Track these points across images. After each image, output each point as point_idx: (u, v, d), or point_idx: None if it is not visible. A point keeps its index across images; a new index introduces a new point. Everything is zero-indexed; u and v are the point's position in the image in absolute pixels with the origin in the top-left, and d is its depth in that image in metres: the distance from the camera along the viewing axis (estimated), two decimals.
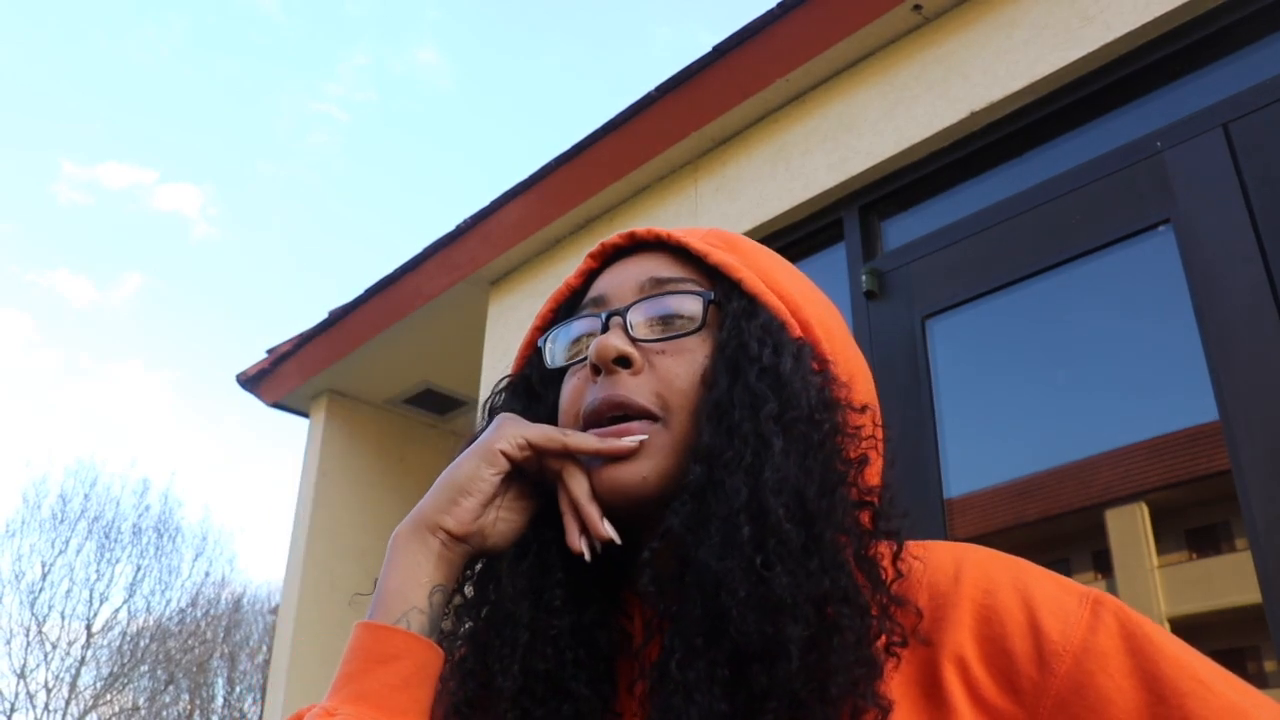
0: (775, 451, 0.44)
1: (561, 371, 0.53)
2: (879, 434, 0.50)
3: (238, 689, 17.54)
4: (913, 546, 0.48)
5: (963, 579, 0.45)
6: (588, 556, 0.47)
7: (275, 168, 32.87)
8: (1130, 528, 1.66)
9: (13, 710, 15.15)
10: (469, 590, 0.52)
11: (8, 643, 15.34)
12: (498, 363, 2.64)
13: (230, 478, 30.74)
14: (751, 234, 2.11)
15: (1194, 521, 1.69)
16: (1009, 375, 1.77)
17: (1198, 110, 1.51)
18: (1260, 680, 1.48)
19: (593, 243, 2.88)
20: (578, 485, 0.47)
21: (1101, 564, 1.75)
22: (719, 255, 0.51)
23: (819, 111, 2.03)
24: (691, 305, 0.50)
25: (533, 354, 0.56)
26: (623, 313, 0.50)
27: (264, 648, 16.87)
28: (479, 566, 0.52)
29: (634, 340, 0.49)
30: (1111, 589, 1.76)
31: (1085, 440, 1.63)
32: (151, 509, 17.59)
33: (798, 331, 0.50)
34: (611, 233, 2.44)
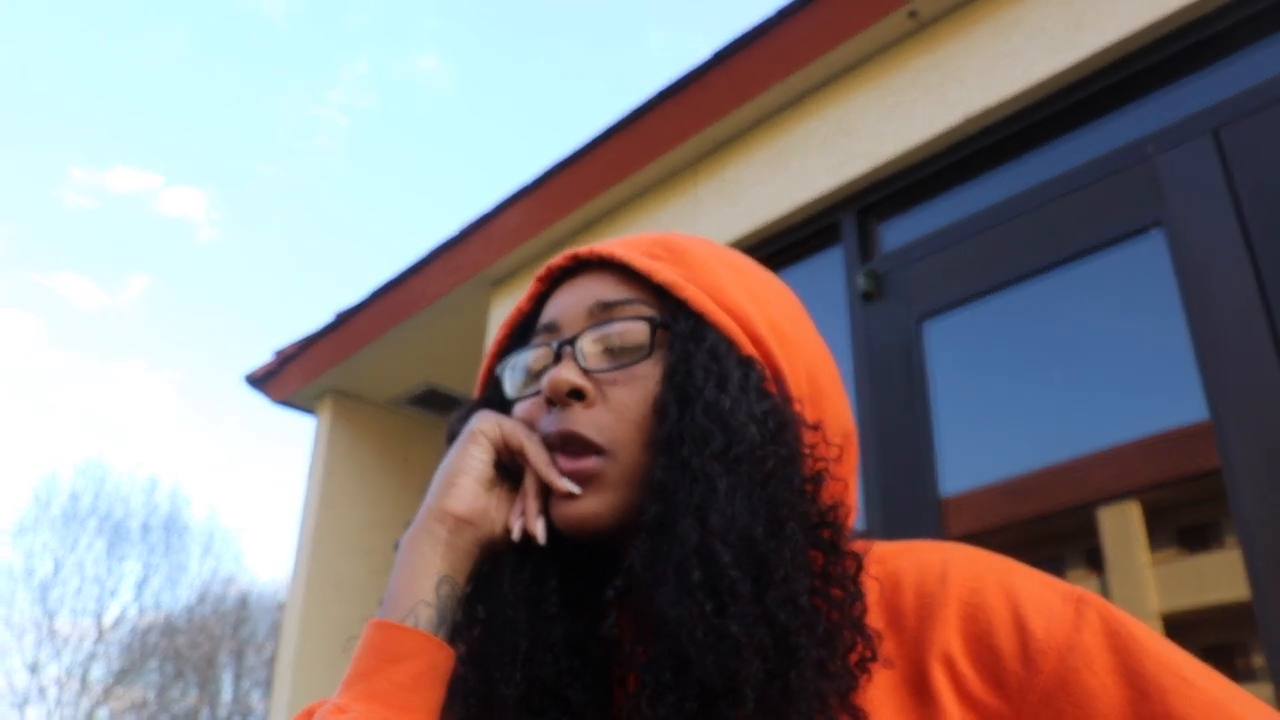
0: (720, 492, 0.43)
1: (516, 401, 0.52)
2: (842, 444, 0.49)
3: (245, 684, 17.65)
4: (898, 546, 0.48)
5: (949, 578, 0.46)
6: (540, 538, 0.47)
7: (278, 172, 32.97)
8: (1123, 526, 1.68)
9: (25, 704, 15.28)
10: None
11: (20, 638, 15.47)
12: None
13: (236, 477, 30.88)
14: (750, 236, 2.13)
15: (1185, 520, 1.71)
16: (1004, 375, 1.79)
17: (1188, 115, 1.53)
18: (1248, 676, 1.50)
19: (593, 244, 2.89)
20: (530, 479, 0.48)
21: (1094, 562, 1.77)
22: (664, 273, 0.49)
23: (817, 115, 2.05)
24: (639, 330, 0.49)
25: (492, 379, 0.55)
26: (573, 342, 0.49)
27: (270, 644, 16.97)
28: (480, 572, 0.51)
29: (586, 371, 0.48)
30: (1104, 586, 1.78)
31: (1078, 439, 1.65)
32: (160, 507, 17.71)
33: (748, 349, 0.48)
34: (612, 235, 2.45)
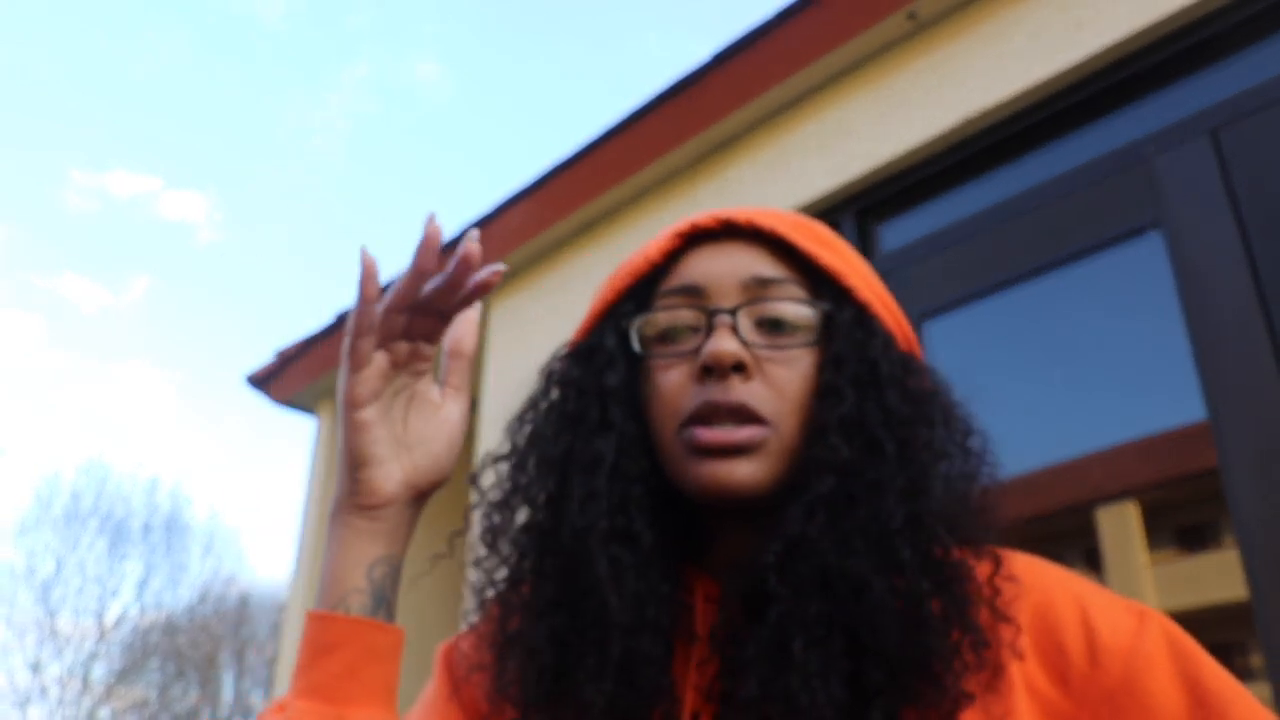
0: (935, 481, 0.46)
1: (645, 357, 0.51)
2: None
3: (245, 683, 17.67)
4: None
5: (1019, 580, 0.48)
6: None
7: (278, 175, 33.00)
8: (1121, 526, 1.68)
9: (27, 703, 15.30)
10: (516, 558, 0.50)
11: (22, 637, 15.49)
12: (500, 365, 2.68)
13: (237, 477, 30.89)
14: None
15: (1183, 519, 1.71)
16: (1003, 376, 1.80)
17: (1187, 116, 1.53)
18: (1247, 676, 1.50)
19: (595, 245, 2.87)
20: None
21: (1093, 561, 1.77)
22: (827, 258, 0.50)
23: (816, 117, 2.06)
24: (804, 315, 0.49)
25: (603, 329, 0.53)
26: (733, 314, 0.48)
27: (271, 643, 16.99)
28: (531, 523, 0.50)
29: (743, 344, 0.48)
30: (1103, 585, 1.78)
31: (1077, 439, 1.65)
32: (161, 507, 17.73)
33: (904, 345, 0.51)
34: (612, 236, 2.44)
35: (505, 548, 0.51)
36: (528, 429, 0.53)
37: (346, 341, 0.46)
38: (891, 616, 0.43)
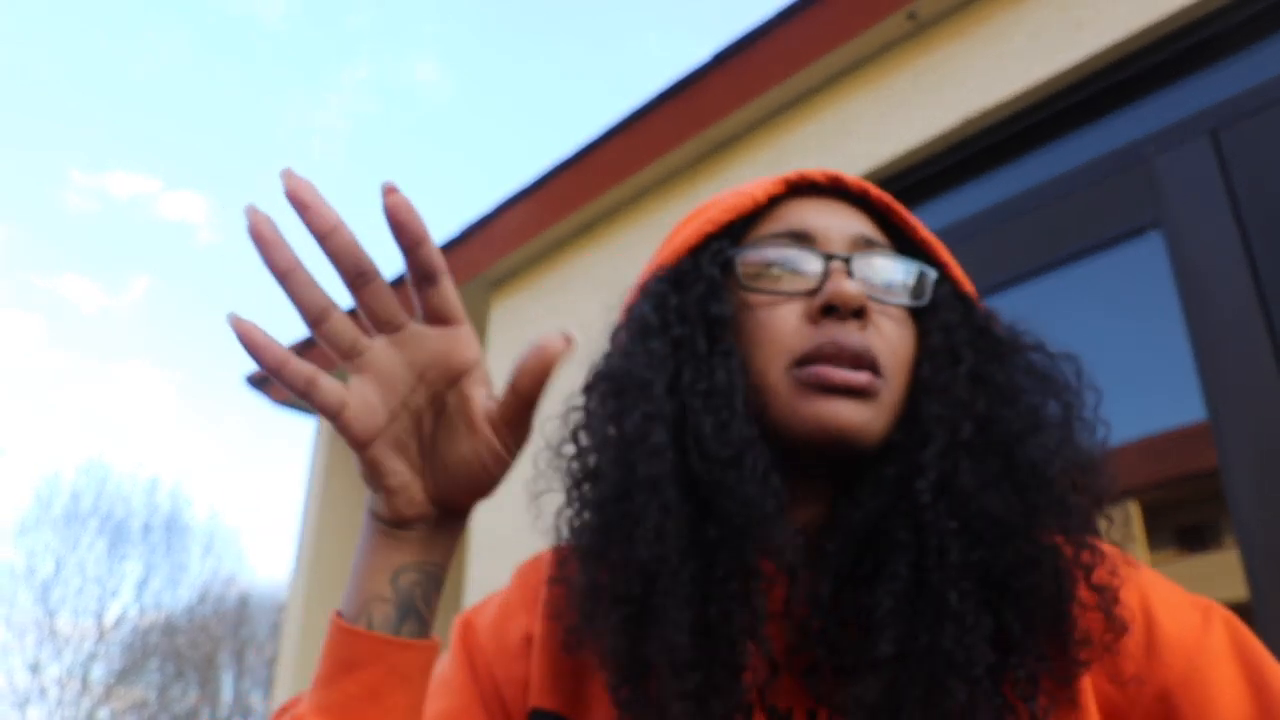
0: (1074, 431, 0.47)
1: (746, 290, 0.49)
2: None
3: (245, 683, 17.67)
4: None
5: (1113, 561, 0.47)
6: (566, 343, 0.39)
7: (276, 176, 33.09)
8: (1121, 526, 1.68)
9: (26, 703, 15.31)
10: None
11: (21, 637, 15.49)
12: (500, 365, 2.68)
13: (237, 477, 30.91)
14: None
15: (1184, 519, 1.71)
16: None
17: (1186, 117, 1.53)
18: None
19: (594, 245, 2.86)
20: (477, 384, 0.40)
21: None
22: (923, 232, 0.52)
23: (816, 117, 2.06)
24: (910, 275, 0.50)
25: (699, 258, 0.50)
26: (847, 260, 0.48)
27: (271, 644, 16.99)
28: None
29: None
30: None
31: None
32: (161, 507, 17.73)
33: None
34: (612, 236, 2.43)
35: (602, 463, 0.47)
36: (632, 346, 0.49)
37: (277, 373, 0.38)
38: (1035, 564, 0.43)
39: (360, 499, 3.40)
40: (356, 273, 0.38)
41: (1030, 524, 0.44)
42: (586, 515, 0.48)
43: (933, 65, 1.86)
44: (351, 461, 3.34)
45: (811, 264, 0.49)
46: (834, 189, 0.52)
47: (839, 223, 0.50)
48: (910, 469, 0.45)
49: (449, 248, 2.79)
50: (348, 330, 0.39)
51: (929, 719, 0.41)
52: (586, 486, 0.48)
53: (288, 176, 0.37)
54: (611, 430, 0.47)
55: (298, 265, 0.38)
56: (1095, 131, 1.69)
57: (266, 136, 33.40)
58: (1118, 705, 0.44)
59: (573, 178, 2.45)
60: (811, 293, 0.48)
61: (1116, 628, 0.45)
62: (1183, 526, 1.67)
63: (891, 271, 0.49)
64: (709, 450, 0.44)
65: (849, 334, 0.46)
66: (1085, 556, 0.45)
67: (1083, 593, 0.44)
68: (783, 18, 1.98)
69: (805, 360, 0.46)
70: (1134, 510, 1.65)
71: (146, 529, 17.28)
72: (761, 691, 0.45)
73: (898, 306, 0.49)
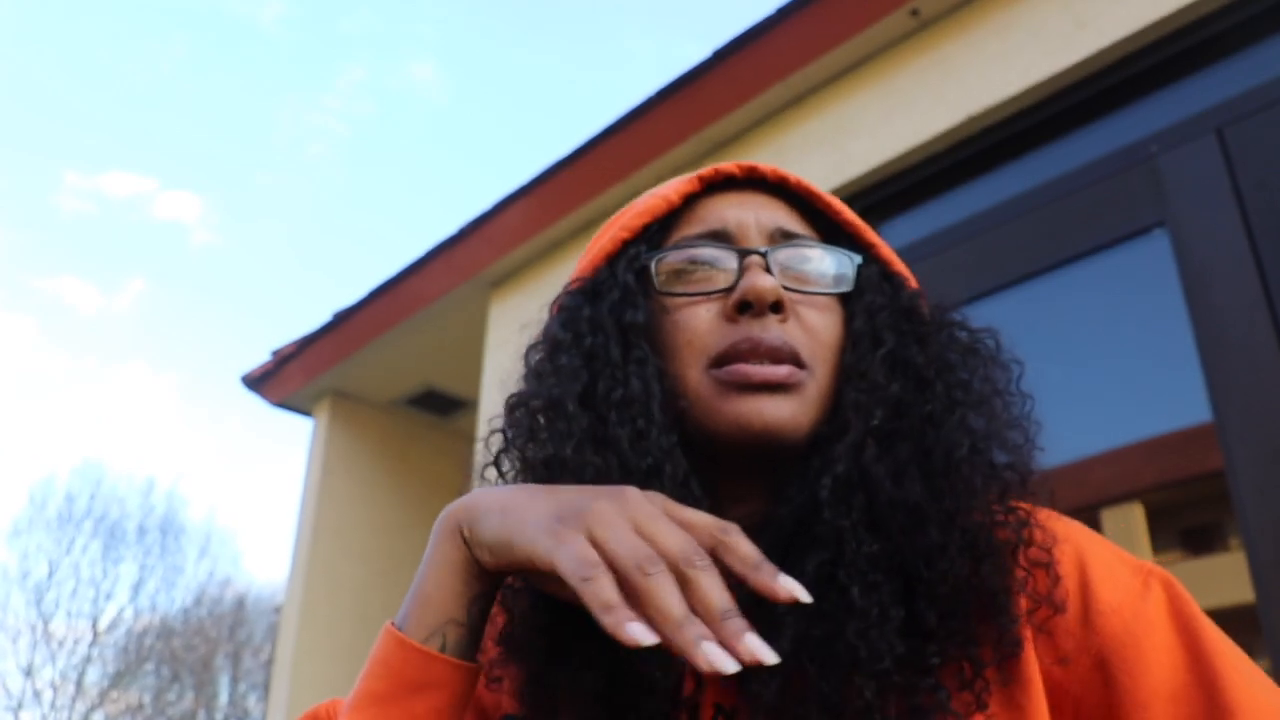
0: (998, 410, 0.46)
1: (663, 295, 0.48)
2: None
3: (242, 687, 17.60)
4: None
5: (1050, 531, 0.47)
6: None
7: (274, 176, 33.01)
8: (1125, 528, 1.67)
9: (20, 707, 15.23)
10: None
11: (15, 641, 15.42)
12: (499, 364, 2.66)
13: (234, 478, 30.84)
14: None
15: (1189, 521, 1.70)
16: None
17: (1191, 115, 1.52)
18: None
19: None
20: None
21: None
22: (848, 214, 0.51)
23: (817, 115, 2.05)
24: (832, 263, 0.49)
25: (615, 265, 0.50)
26: (765, 255, 0.47)
27: (267, 646, 16.93)
28: None
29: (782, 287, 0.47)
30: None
31: (1081, 440, 1.64)
32: (156, 509, 17.67)
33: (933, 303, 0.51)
34: None
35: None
36: (543, 365, 0.49)
37: None
38: (950, 551, 0.42)
39: (358, 499, 3.39)
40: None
41: (943, 509, 0.43)
42: None
43: (935, 63, 1.85)
44: (349, 464, 3.31)
45: (727, 262, 0.48)
46: (751, 181, 0.52)
47: (756, 216, 0.49)
48: (825, 461, 0.45)
49: (448, 246, 2.77)
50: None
51: (833, 716, 0.40)
52: None
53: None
54: (530, 453, 0.47)
55: None
56: (1099, 130, 1.68)
57: (263, 137, 33.39)
58: (1059, 682, 0.44)
59: (572, 176, 2.43)
60: (727, 291, 0.47)
61: (1055, 603, 0.44)
62: (1187, 528, 1.66)
63: (812, 260, 0.49)
64: (628, 462, 0.44)
65: (766, 329, 0.46)
66: (1008, 535, 0.44)
67: (1015, 571, 0.44)
68: (783, 15, 1.97)
69: (723, 359, 0.46)
70: (1138, 512, 1.64)
71: (142, 531, 17.23)
72: (676, 690, 0.45)
73: (821, 295, 0.48)
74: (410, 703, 0.40)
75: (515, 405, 0.49)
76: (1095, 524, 1.73)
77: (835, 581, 0.42)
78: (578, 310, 0.50)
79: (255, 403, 3.60)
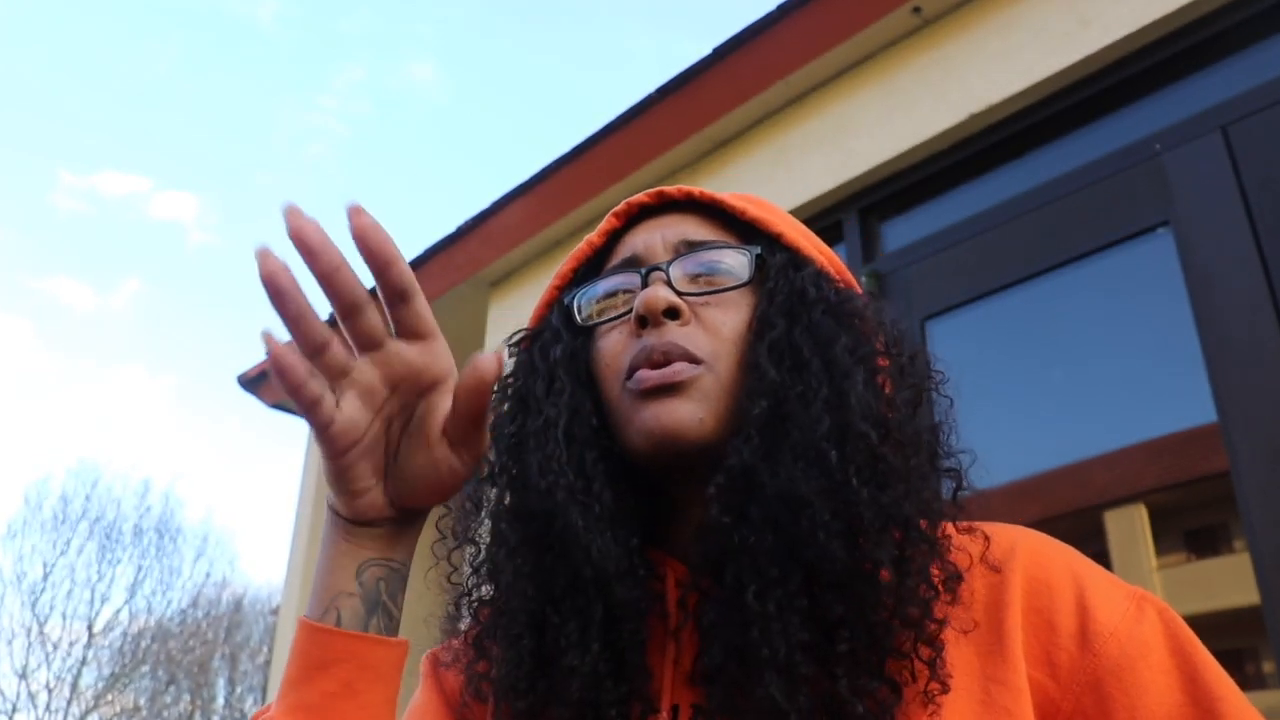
0: (858, 382, 0.45)
1: (589, 329, 0.52)
2: (930, 375, 0.50)
3: (239, 689, 17.55)
4: (965, 526, 0.49)
5: (1017, 553, 0.47)
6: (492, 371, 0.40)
7: (271, 176, 32.96)
8: (1129, 529, 1.66)
9: (14, 710, 15.17)
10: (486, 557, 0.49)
11: (9, 643, 15.36)
12: None
13: (231, 479, 30.79)
14: None
15: (1192, 523, 1.69)
16: (1008, 377, 1.78)
17: (1196, 113, 1.51)
18: (1258, 682, 1.48)
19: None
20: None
21: (1100, 565, 1.75)
22: (754, 211, 0.52)
23: (818, 114, 2.04)
24: (734, 260, 0.50)
25: (551, 312, 0.54)
26: (663, 267, 0.50)
27: (265, 648, 16.89)
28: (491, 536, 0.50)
29: (678, 294, 0.48)
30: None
31: (1084, 441, 1.63)
32: (153, 510, 17.62)
33: (843, 284, 0.52)
34: None
35: (480, 536, 0.51)
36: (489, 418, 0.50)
37: (296, 392, 0.39)
38: (835, 533, 0.42)
39: None
40: (352, 306, 0.40)
41: (827, 492, 0.43)
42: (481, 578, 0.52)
43: (937, 61, 1.84)
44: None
45: (633, 283, 0.51)
46: (664, 205, 0.54)
47: (663, 235, 0.52)
48: (717, 458, 0.46)
49: (446, 245, 2.76)
50: (342, 356, 0.41)
51: (761, 715, 0.41)
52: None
53: (292, 215, 0.38)
54: (480, 488, 0.51)
55: (307, 308, 0.39)
56: (1103, 128, 1.67)
57: (260, 137, 33.37)
58: (1051, 695, 0.43)
59: (571, 176, 2.42)
60: (631, 312, 0.49)
61: (952, 585, 0.44)
62: (1191, 530, 1.66)
63: (712, 261, 0.50)
64: (531, 482, 0.47)
65: (660, 335, 0.47)
66: (895, 516, 0.44)
67: (913, 553, 0.44)
68: (784, 12, 1.96)
69: (630, 373, 0.48)
70: (1141, 513, 1.63)
71: (138, 532, 17.18)
72: (641, 691, 0.46)
73: (718, 293, 0.49)
74: (319, 681, 0.41)
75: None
76: (1098, 526, 1.72)
77: (741, 582, 0.42)
78: (517, 360, 0.54)
79: (252, 403, 3.58)
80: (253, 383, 3.48)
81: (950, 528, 0.47)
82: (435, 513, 0.52)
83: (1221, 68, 1.55)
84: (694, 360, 0.47)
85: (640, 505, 0.49)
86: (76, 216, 29.10)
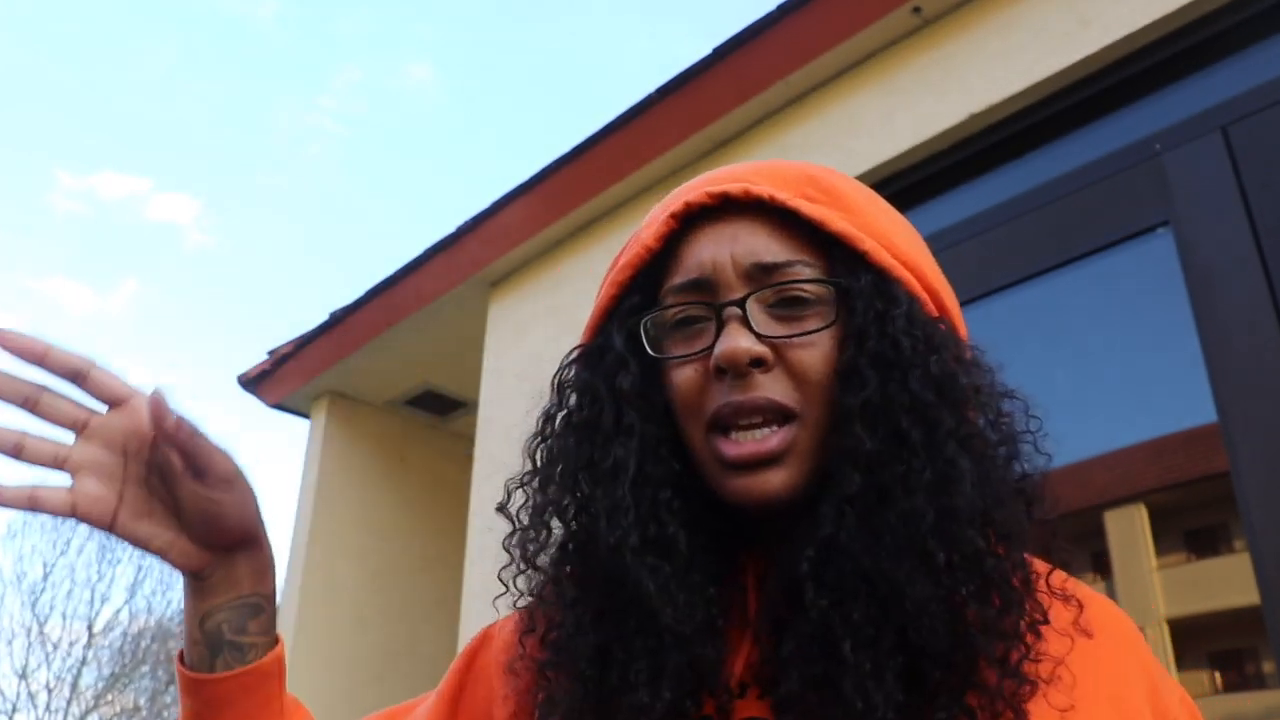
0: (964, 472, 0.43)
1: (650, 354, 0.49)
2: (1028, 429, 0.48)
3: None
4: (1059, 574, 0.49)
5: (1123, 625, 0.49)
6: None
7: (270, 178, 32.92)
8: (1129, 529, 1.66)
9: (14, 710, 15.17)
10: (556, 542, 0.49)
11: (9, 643, 15.36)
12: (498, 364, 2.65)
13: None
14: None
15: (1192, 523, 1.69)
16: (1008, 376, 1.77)
17: (1196, 113, 1.51)
18: (1258, 682, 1.48)
19: (594, 243, 2.84)
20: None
21: (1100, 565, 1.75)
22: (837, 224, 0.47)
23: (818, 114, 2.04)
24: (816, 292, 0.46)
25: (609, 325, 0.51)
26: (741, 305, 0.46)
27: None
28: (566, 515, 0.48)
29: (760, 337, 0.45)
30: (1110, 590, 1.76)
31: (1084, 442, 1.63)
32: None
33: (934, 309, 0.48)
34: (612, 234, 2.40)
35: (544, 563, 0.50)
36: (546, 443, 0.51)
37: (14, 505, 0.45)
38: (935, 617, 0.41)
39: (356, 501, 3.37)
40: (27, 400, 0.45)
41: (928, 577, 0.42)
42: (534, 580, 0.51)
43: (938, 61, 1.84)
44: (347, 465, 3.30)
45: (705, 315, 0.47)
46: (724, 206, 0.49)
47: (733, 252, 0.47)
48: (809, 526, 0.44)
49: (446, 245, 2.76)
50: (47, 449, 0.45)
51: None
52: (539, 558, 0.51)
53: (9, 339, 0.43)
54: (542, 516, 0.50)
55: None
56: (1103, 128, 1.67)
57: (258, 138, 33.36)
58: None
59: (572, 175, 2.42)
60: (710, 351, 0.46)
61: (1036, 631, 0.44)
62: (1191, 530, 1.66)
63: (792, 293, 0.46)
64: (597, 535, 0.46)
65: (746, 390, 0.45)
66: (1011, 591, 0.43)
67: (1005, 622, 0.43)
68: (784, 12, 1.96)
69: (713, 424, 0.46)
70: (1141, 514, 1.63)
71: None
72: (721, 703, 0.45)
73: (806, 334, 0.46)
74: (179, 713, 0.50)
75: (526, 473, 0.52)
76: (1098, 526, 1.72)
77: (831, 633, 0.41)
78: (577, 380, 0.51)
79: (252, 404, 3.58)
80: (253, 383, 3.47)
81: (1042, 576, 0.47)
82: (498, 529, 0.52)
83: (1221, 68, 1.55)
84: (784, 412, 0.45)
85: (727, 523, 0.47)
86: (74, 217, 29.09)
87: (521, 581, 0.50)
